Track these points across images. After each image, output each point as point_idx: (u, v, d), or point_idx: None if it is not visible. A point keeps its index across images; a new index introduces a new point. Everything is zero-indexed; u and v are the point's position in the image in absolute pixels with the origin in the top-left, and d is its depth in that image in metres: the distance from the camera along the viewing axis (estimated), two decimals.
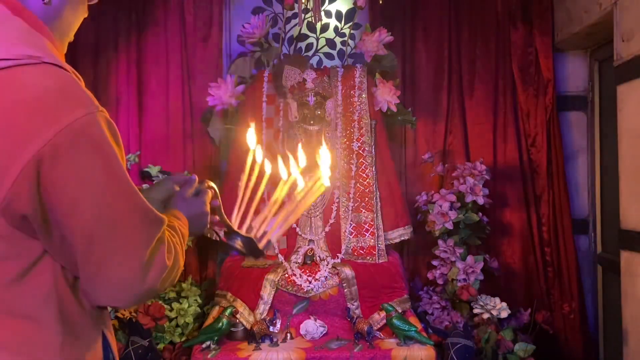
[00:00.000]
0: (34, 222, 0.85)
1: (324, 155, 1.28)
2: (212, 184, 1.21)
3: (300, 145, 1.35)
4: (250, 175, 1.26)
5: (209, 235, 2.90)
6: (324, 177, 1.26)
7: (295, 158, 1.30)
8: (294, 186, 1.27)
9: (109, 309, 1.06)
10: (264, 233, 1.21)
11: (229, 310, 2.44)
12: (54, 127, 0.81)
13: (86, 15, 1.04)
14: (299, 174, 1.27)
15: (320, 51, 3.15)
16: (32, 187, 0.82)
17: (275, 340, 2.40)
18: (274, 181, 1.28)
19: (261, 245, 1.19)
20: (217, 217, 1.21)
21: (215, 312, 2.58)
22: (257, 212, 1.24)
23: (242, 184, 1.25)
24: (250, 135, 1.31)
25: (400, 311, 2.50)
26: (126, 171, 0.89)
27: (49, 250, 0.89)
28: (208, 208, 1.16)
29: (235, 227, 1.20)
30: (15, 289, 0.87)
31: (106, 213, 0.85)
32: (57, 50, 0.95)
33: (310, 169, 1.30)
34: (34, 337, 0.88)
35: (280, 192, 1.26)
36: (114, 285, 0.88)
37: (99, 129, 0.86)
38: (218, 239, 2.86)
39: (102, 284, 0.88)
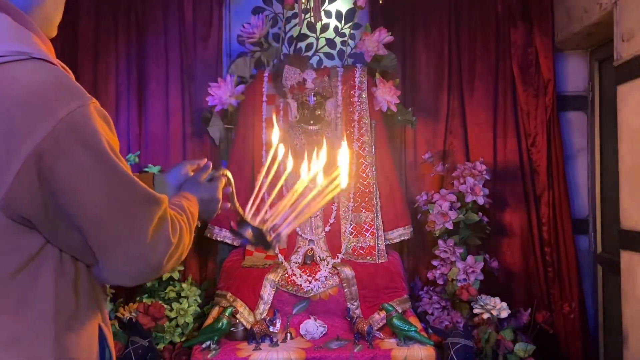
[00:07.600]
0: (37, 215, 0.86)
1: (344, 156, 1.24)
2: (227, 172, 1.24)
3: (325, 142, 1.32)
4: (269, 169, 1.26)
5: (209, 236, 2.90)
6: (342, 178, 1.23)
7: (318, 155, 1.27)
8: (312, 183, 1.25)
9: (109, 306, 1.07)
10: (275, 226, 1.20)
11: (229, 310, 2.44)
12: (51, 120, 0.83)
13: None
14: (321, 172, 1.25)
15: (320, 51, 3.15)
16: (34, 180, 0.84)
17: (275, 340, 2.40)
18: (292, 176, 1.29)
19: (270, 237, 1.19)
20: (229, 205, 1.22)
21: (215, 312, 2.58)
22: (272, 205, 1.23)
23: (260, 176, 1.25)
24: (275, 132, 1.30)
25: (400, 311, 2.50)
26: (122, 158, 0.92)
27: (52, 241, 0.90)
28: (220, 194, 1.19)
29: (248, 217, 1.20)
30: (14, 282, 0.87)
31: (109, 198, 0.88)
32: (44, 44, 0.95)
33: (328, 169, 1.27)
34: (30, 330, 0.89)
35: (299, 188, 1.24)
36: (123, 263, 0.92)
37: (94, 119, 0.88)
38: (219, 239, 2.90)
39: (113, 263, 0.91)
